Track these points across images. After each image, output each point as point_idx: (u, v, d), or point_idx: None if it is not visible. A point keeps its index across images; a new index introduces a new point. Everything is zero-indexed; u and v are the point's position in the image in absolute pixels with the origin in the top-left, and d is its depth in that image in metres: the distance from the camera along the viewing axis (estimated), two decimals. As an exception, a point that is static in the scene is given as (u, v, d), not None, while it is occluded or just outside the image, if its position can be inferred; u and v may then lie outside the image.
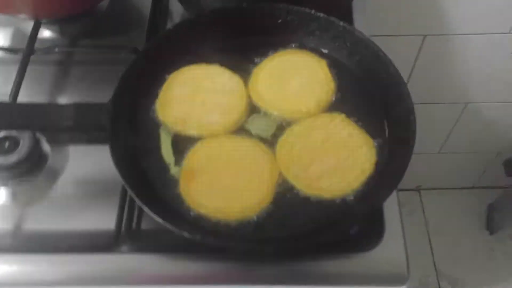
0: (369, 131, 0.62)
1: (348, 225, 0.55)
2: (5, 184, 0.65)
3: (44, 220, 0.64)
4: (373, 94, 0.65)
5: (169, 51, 0.67)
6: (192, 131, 0.63)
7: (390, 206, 0.63)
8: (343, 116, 0.63)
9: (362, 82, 0.67)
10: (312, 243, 0.56)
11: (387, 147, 0.61)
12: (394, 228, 0.62)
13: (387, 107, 0.64)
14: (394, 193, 0.63)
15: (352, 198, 0.58)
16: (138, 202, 0.54)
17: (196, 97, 0.65)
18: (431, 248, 1.70)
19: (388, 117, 0.63)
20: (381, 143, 0.62)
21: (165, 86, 0.66)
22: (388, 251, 0.60)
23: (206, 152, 0.61)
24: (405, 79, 1.23)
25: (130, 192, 0.55)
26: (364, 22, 0.78)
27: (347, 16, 0.79)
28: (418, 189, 1.81)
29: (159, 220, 0.53)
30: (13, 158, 0.64)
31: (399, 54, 1.20)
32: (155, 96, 0.66)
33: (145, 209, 0.54)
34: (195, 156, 0.60)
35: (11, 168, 0.64)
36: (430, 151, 1.59)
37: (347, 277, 0.60)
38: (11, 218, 0.64)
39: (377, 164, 0.60)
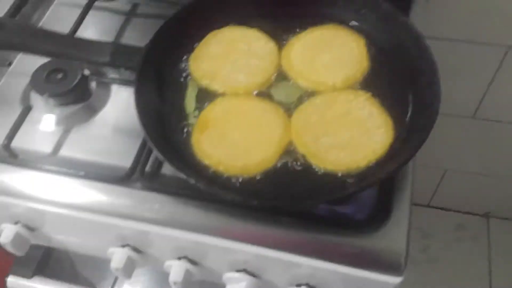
0: (391, 113, 0.60)
1: (341, 196, 0.54)
2: (51, 112, 0.72)
3: (77, 149, 0.69)
4: (404, 78, 0.63)
5: (213, 9, 0.69)
6: (217, 87, 0.65)
7: (400, 192, 0.60)
8: (368, 95, 0.62)
9: (396, 66, 0.65)
10: (297, 209, 0.55)
11: (405, 132, 0.59)
12: (401, 219, 0.60)
13: (415, 93, 0.61)
14: (408, 180, 0.61)
15: (355, 175, 0.57)
16: (148, 141, 0.57)
17: (229, 56, 0.67)
18: (490, 279, 1.60)
19: (414, 102, 0.61)
20: (401, 128, 0.59)
21: (203, 42, 0.68)
22: (389, 239, 0.58)
23: (224, 107, 0.62)
24: (482, 91, 1.16)
25: (142, 131, 0.58)
26: (422, 18, 0.75)
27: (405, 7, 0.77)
28: (487, 216, 1.70)
29: (165, 160, 0.56)
30: (60, 88, 0.71)
31: (477, 63, 1.14)
32: (191, 49, 0.68)
33: (154, 149, 0.56)
34: (213, 109, 0.62)
35: (57, 96, 0.71)
36: (504, 176, 1.48)
37: (341, 255, 0.58)
38: (50, 142, 0.69)
39: (391, 147, 0.58)
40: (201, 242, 0.61)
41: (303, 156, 0.59)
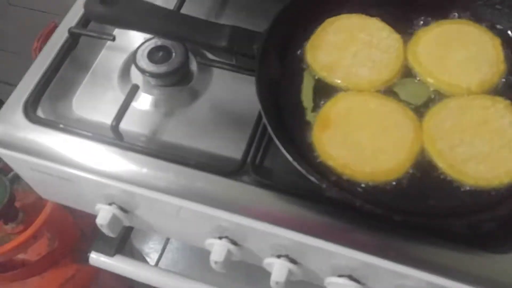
0: (534, 126, 0.55)
1: (483, 219, 0.50)
2: (150, 92, 0.68)
3: (177, 133, 0.66)
4: (548, 86, 0.58)
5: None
6: (337, 80, 0.60)
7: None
8: (507, 102, 0.57)
9: (538, 70, 0.59)
10: (433, 227, 0.51)
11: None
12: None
13: (563, 104, 0.56)
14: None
15: (497, 192, 0.52)
16: (273, 136, 0.54)
17: (349, 46, 0.62)
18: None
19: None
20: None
21: (319, 29, 0.64)
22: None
23: (346, 104, 0.58)
24: None
25: (267, 125, 0.54)
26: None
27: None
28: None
29: (287, 155, 0.52)
30: (163, 68, 0.67)
31: None
32: (308, 37, 0.64)
33: (278, 144, 0.53)
34: (334, 106, 0.58)
35: (159, 77, 0.67)
36: None
37: (467, 275, 0.54)
38: (149, 124, 0.66)
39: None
40: (307, 244, 0.58)
41: (437, 166, 0.54)
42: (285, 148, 0.52)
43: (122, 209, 0.67)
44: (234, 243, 0.64)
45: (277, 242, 0.61)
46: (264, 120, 0.54)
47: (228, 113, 0.67)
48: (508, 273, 0.53)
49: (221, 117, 0.67)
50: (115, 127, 0.61)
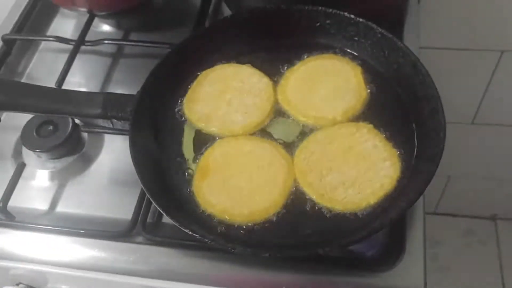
0: (396, 145, 0.59)
1: (350, 241, 0.52)
2: (44, 167, 0.69)
3: (73, 203, 0.67)
4: (406, 106, 0.62)
5: (202, 48, 0.67)
6: (213, 129, 0.63)
7: (414, 227, 0.59)
8: (370, 126, 0.60)
9: (397, 93, 0.63)
10: (313, 255, 0.53)
11: (412, 163, 0.57)
12: (416, 252, 0.58)
13: (418, 121, 0.59)
14: (420, 213, 0.59)
15: (364, 213, 0.54)
16: (148, 195, 0.55)
17: (223, 95, 0.65)
18: (503, 283, 1.57)
19: (419, 132, 0.59)
20: (407, 159, 0.57)
21: (195, 83, 0.66)
22: (406, 275, 0.56)
23: (223, 150, 0.60)
24: (479, 97, 1.16)
25: (142, 184, 0.56)
26: (415, 31, 0.74)
27: (399, 24, 0.75)
28: (494, 218, 1.68)
29: (163, 212, 0.53)
30: (53, 141, 0.68)
31: (472, 69, 1.14)
32: (184, 91, 0.66)
33: (152, 200, 0.54)
34: (212, 153, 0.60)
35: (50, 150, 0.68)
36: (508, 178, 1.47)
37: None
38: (45, 198, 0.67)
39: (399, 180, 0.56)
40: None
41: (310, 197, 0.56)
42: (158, 203, 0.54)
43: (31, 287, 0.67)
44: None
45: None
46: (140, 183, 0.56)
47: (122, 174, 0.69)
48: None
49: (115, 180, 0.69)
50: (2, 207, 0.62)
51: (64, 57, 0.79)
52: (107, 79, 0.79)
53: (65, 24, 0.86)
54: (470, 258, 1.61)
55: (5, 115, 0.73)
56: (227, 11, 0.83)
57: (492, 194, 1.55)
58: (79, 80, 0.79)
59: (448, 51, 1.10)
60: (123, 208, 0.64)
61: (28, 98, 0.62)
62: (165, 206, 0.54)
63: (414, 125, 0.60)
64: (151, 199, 0.54)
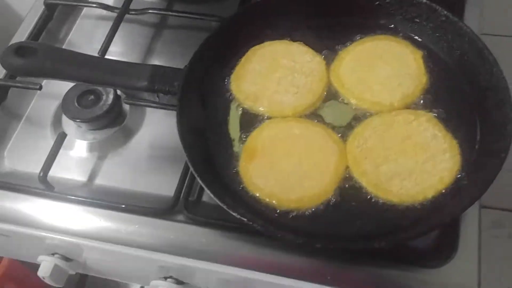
0: (457, 135, 0.55)
1: (409, 236, 0.49)
2: (83, 138, 0.68)
3: (112, 176, 0.65)
4: (468, 95, 0.58)
5: (253, 23, 0.64)
6: (261, 109, 0.60)
7: (469, 223, 0.56)
8: (429, 115, 0.57)
9: (459, 81, 0.59)
10: (364, 248, 0.51)
11: (474, 156, 0.54)
12: (470, 247, 0.55)
13: (482, 112, 0.56)
14: (476, 208, 0.56)
15: (422, 207, 0.52)
16: (195, 174, 0.53)
17: (273, 74, 0.62)
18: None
19: (482, 123, 0.55)
20: (468, 152, 0.54)
21: (243, 59, 0.64)
22: (458, 272, 0.54)
23: (271, 132, 0.58)
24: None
25: (189, 164, 0.54)
26: (476, 17, 0.70)
27: (459, 7, 0.71)
28: (524, 211, 1.64)
29: (211, 195, 0.51)
30: (93, 112, 0.66)
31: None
32: (232, 68, 0.64)
33: (200, 182, 0.52)
34: (259, 135, 0.58)
35: (89, 121, 0.67)
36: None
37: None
38: (84, 170, 0.66)
39: (460, 174, 0.53)
40: (250, 278, 0.57)
41: (363, 186, 0.54)
42: (206, 184, 0.52)
43: (65, 258, 0.66)
44: (179, 282, 0.62)
45: (223, 278, 0.60)
46: (186, 159, 0.54)
47: (163, 150, 0.67)
48: (444, 286, 0.52)
49: (156, 155, 0.67)
50: (42, 177, 0.60)
51: (105, 24, 0.77)
52: (149, 50, 0.76)
53: (107, -9, 0.84)
54: (497, 250, 1.57)
55: (46, 82, 0.71)
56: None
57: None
58: (120, 50, 0.77)
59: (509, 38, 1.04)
60: (162, 184, 0.63)
61: (73, 66, 0.59)
62: (211, 186, 0.52)
63: (476, 116, 0.56)
64: (198, 178, 0.52)
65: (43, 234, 0.62)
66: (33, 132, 0.69)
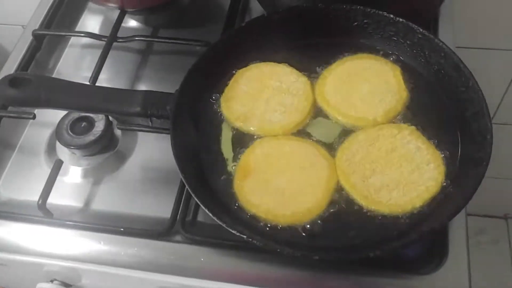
0: (439, 147, 0.58)
1: (402, 244, 0.52)
2: (78, 164, 0.69)
3: (108, 200, 0.66)
4: (448, 108, 0.61)
5: (239, 47, 0.67)
6: (252, 128, 0.62)
7: (456, 229, 0.58)
8: (412, 128, 0.60)
9: (438, 94, 0.63)
10: (360, 258, 0.53)
11: (457, 166, 0.57)
12: (459, 253, 0.58)
13: (462, 124, 0.59)
14: (462, 216, 0.59)
15: (411, 216, 0.54)
16: (192, 193, 0.55)
17: (261, 94, 0.65)
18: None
19: (462, 134, 0.59)
20: (451, 162, 0.57)
21: (231, 81, 0.66)
22: (449, 278, 0.56)
23: (263, 151, 0.60)
24: (499, 97, 1.16)
25: (186, 185, 0.55)
26: (450, 32, 0.74)
27: (433, 24, 0.75)
28: (506, 217, 1.68)
29: (210, 214, 0.53)
30: (86, 138, 0.68)
31: (494, 69, 1.13)
32: (221, 90, 0.66)
33: (197, 200, 0.54)
34: (252, 154, 0.60)
35: (83, 148, 0.68)
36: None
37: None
38: (80, 195, 0.67)
39: (444, 183, 0.56)
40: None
41: (353, 199, 0.56)
42: (204, 204, 0.53)
43: (65, 284, 0.67)
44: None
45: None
46: (182, 178, 0.56)
47: (156, 172, 0.69)
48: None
49: (150, 178, 0.68)
50: (41, 204, 0.61)
51: (92, 52, 0.79)
52: (137, 76, 0.78)
53: (93, 20, 0.86)
54: (482, 257, 1.61)
55: (38, 110, 0.72)
56: (256, 8, 0.83)
57: (504, 194, 1.55)
58: (108, 76, 0.79)
59: (471, 51, 1.09)
60: (158, 206, 0.64)
61: (67, 95, 0.61)
62: (208, 205, 0.54)
63: (457, 127, 0.59)
64: (195, 199, 0.54)
65: (42, 261, 0.63)
66: (27, 161, 0.70)
